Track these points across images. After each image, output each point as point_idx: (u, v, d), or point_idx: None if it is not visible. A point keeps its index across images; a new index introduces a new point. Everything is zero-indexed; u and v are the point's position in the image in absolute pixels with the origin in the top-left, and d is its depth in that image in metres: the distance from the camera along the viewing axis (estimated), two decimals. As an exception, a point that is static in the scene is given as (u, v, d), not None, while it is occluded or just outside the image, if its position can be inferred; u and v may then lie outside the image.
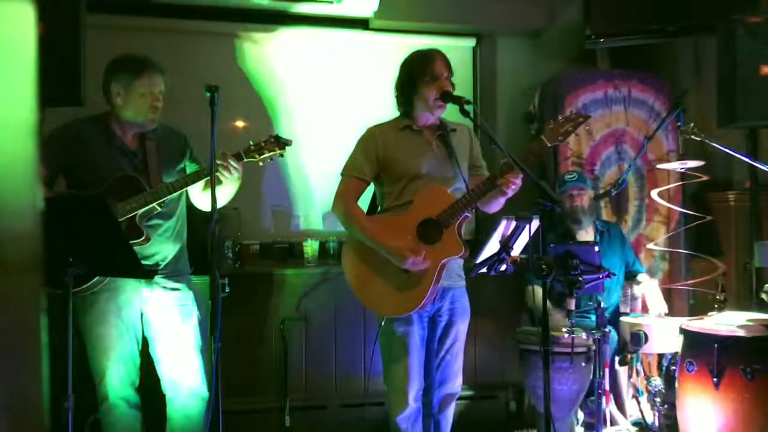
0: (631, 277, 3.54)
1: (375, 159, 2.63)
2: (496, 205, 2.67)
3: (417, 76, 2.59)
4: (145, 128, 2.69)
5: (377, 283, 2.59)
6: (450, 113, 2.70)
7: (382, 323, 2.63)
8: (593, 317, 3.02)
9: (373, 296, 2.62)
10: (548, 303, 2.29)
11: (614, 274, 2.92)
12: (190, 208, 2.86)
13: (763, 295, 3.03)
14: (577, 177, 3.49)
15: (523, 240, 2.47)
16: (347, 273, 2.66)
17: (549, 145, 2.52)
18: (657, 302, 3.35)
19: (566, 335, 2.89)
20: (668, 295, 3.94)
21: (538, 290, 3.36)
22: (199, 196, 2.78)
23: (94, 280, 2.56)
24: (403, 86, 2.65)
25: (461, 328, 2.71)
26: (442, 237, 2.54)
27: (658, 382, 3.23)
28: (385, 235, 2.55)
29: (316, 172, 4.10)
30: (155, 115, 2.66)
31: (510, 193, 2.50)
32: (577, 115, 2.53)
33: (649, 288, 3.40)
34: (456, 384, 2.73)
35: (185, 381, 2.70)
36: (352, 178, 2.65)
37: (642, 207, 4.03)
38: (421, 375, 2.65)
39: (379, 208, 2.74)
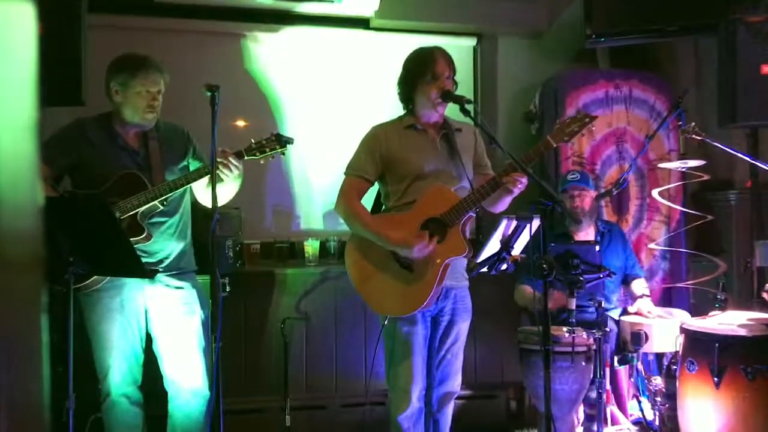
0: (627, 281, 3.54)
1: (378, 159, 2.63)
2: (502, 204, 2.65)
3: (418, 74, 2.58)
4: (143, 127, 2.70)
5: (380, 281, 2.59)
6: (452, 113, 2.69)
7: (385, 322, 2.61)
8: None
9: (375, 294, 2.61)
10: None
11: (614, 274, 2.92)
12: (193, 206, 2.86)
13: (764, 295, 3.02)
14: (580, 177, 3.48)
15: (523, 239, 2.47)
16: (349, 270, 2.66)
17: (555, 145, 2.51)
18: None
19: (566, 335, 2.89)
20: (668, 295, 3.95)
21: (528, 289, 3.37)
22: (203, 192, 2.78)
23: (94, 277, 2.57)
24: (405, 84, 2.65)
25: (462, 327, 2.71)
26: (446, 236, 2.54)
27: (658, 381, 3.23)
28: (388, 230, 2.55)
29: (316, 171, 4.10)
30: (152, 115, 2.66)
31: (516, 191, 2.51)
32: (584, 115, 2.51)
33: (643, 304, 3.39)
34: (455, 383, 2.73)
35: (187, 380, 2.71)
36: (355, 178, 2.64)
37: (643, 206, 4.03)
38: (424, 374, 2.65)
39: (383, 207, 2.74)
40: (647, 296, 3.43)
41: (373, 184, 2.69)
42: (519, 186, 2.48)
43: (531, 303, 3.30)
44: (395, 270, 2.56)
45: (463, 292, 2.73)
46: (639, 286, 3.49)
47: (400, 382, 2.61)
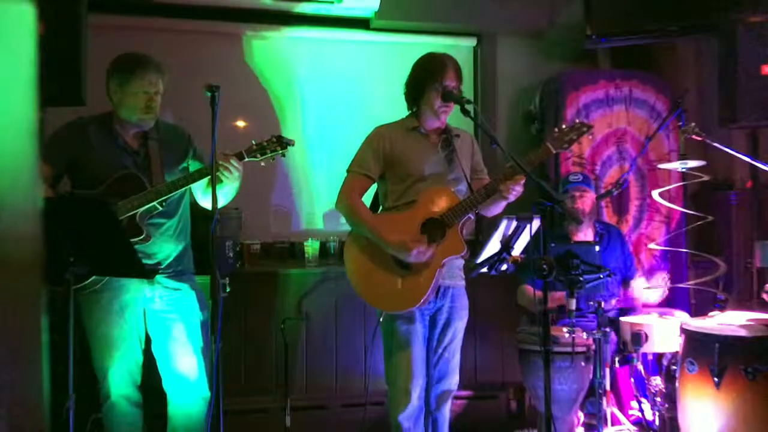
0: (627, 283, 3.54)
1: (381, 157, 2.67)
2: (497, 208, 2.71)
3: (427, 81, 2.62)
4: (142, 127, 2.69)
5: (378, 278, 2.61)
6: (454, 117, 2.70)
7: (381, 319, 2.66)
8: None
9: (373, 291, 2.63)
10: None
11: (614, 274, 2.91)
12: (193, 207, 2.86)
13: (764, 295, 3.02)
14: (582, 179, 3.50)
15: (523, 240, 2.47)
16: (348, 267, 2.67)
17: (554, 152, 2.58)
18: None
19: (566, 335, 2.89)
20: (668, 295, 3.95)
21: (530, 288, 3.38)
22: (202, 194, 2.78)
23: (93, 277, 2.56)
24: (412, 88, 2.69)
25: (459, 326, 2.74)
26: (445, 236, 2.57)
27: (658, 382, 3.22)
28: (387, 231, 2.57)
29: (317, 171, 4.10)
30: (150, 115, 2.65)
31: (511, 198, 2.56)
32: (581, 124, 2.59)
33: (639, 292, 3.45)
34: (453, 381, 2.75)
35: (187, 380, 2.71)
36: (357, 175, 2.68)
37: (643, 207, 4.03)
38: (423, 373, 2.67)
39: (380, 207, 2.77)
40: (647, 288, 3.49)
41: (374, 182, 2.72)
42: (514, 193, 2.52)
43: (532, 304, 3.31)
44: (393, 267, 2.59)
45: (460, 291, 2.76)
46: (639, 284, 3.51)
47: (400, 381, 2.63)
